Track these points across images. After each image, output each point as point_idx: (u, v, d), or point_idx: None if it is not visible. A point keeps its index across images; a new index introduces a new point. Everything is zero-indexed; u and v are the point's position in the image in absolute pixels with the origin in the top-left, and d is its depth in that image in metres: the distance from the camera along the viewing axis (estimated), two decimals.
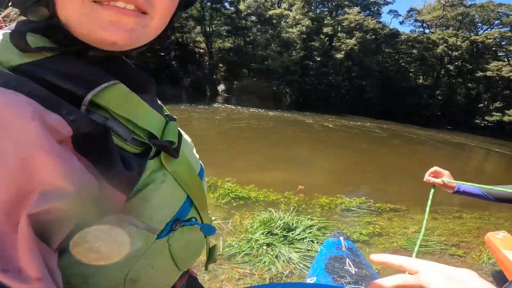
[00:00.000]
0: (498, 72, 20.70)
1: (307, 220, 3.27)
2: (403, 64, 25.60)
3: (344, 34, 21.71)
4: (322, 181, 5.47)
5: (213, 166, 5.20)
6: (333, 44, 21.67)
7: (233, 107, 14.70)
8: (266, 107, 15.57)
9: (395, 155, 9.65)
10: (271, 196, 4.11)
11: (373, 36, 22.83)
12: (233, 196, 3.92)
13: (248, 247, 2.59)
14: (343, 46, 21.07)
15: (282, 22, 22.08)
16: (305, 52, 20.42)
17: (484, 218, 4.46)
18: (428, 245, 3.14)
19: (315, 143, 9.71)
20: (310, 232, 2.92)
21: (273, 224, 2.95)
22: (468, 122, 20.78)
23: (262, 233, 2.80)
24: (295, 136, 10.65)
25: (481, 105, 21.72)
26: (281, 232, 2.90)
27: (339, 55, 20.92)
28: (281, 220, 3.04)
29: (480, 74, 21.53)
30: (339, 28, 21.89)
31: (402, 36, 25.70)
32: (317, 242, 2.76)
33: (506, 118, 19.55)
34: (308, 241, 2.76)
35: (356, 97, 21.59)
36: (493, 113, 20.24)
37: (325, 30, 21.39)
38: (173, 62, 18.59)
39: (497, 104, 20.44)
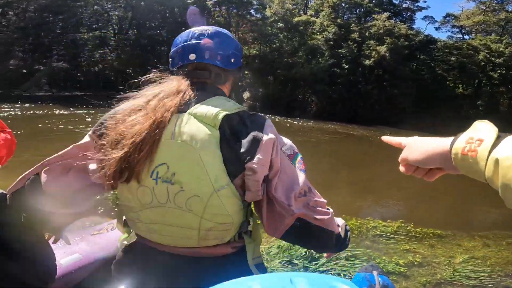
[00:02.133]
0: None
1: None
2: (439, 72, 23.72)
3: (373, 41, 20.49)
4: (349, 198, 4.86)
5: None
6: (362, 51, 20.51)
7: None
8: (291, 116, 14.94)
9: None
10: None
11: (406, 43, 21.34)
12: None
13: None
14: (373, 53, 19.86)
15: (309, 29, 21.40)
16: (334, 60, 19.50)
17: None
18: (478, 277, 2.55)
19: (339, 155, 8.85)
20: (336, 263, 2.44)
21: (293, 252, 2.51)
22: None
23: (280, 262, 2.38)
24: (319, 146, 9.86)
25: None
26: (302, 262, 2.44)
27: (369, 62, 19.73)
28: (303, 248, 2.52)
29: None
30: (367, 34, 20.74)
31: (439, 43, 23.86)
32: (344, 276, 2.31)
33: None
34: (334, 274, 2.30)
35: (386, 107, 20.15)
36: None
37: (352, 36, 20.37)
38: None
39: None
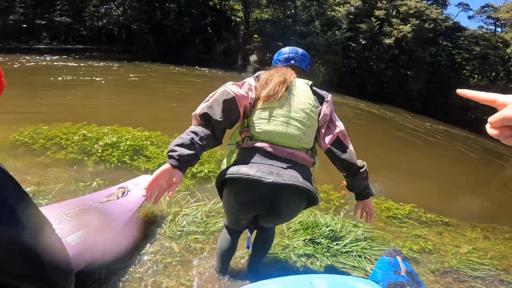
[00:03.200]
0: None
1: (352, 226, 2.69)
2: (459, 60, 22.55)
3: (398, 20, 19.14)
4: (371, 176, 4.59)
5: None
6: (383, 29, 19.22)
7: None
8: None
9: (449, 158, 8.29)
10: None
11: (432, 25, 19.97)
12: None
13: (284, 256, 2.01)
14: (395, 32, 18.62)
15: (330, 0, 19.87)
16: (351, 34, 18.32)
17: None
18: (480, 269, 2.63)
19: (353, 130, 8.43)
20: (357, 245, 2.39)
21: (317, 231, 2.39)
22: None
23: (304, 240, 2.24)
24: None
25: None
26: (325, 241, 2.30)
27: (388, 41, 18.58)
28: (327, 227, 2.47)
29: None
30: (393, 13, 19.29)
31: (467, 32, 22.42)
32: (364, 258, 2.25)
33: None
34: (355, 255, 2.24)
35: (395, 87, 19.40)
36: None
37: (377, 13, 18.94)
38: (208, 28, 17.55)
39: None
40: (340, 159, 1.27)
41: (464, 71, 22.81)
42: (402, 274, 1.31)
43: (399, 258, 1.45)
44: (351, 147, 1.30)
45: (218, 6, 18.70)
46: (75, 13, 14.29)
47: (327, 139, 1.25)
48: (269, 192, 1.08)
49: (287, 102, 1.20)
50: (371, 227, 2.88)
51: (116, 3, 15.88)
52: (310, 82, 1.32)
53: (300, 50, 1.48)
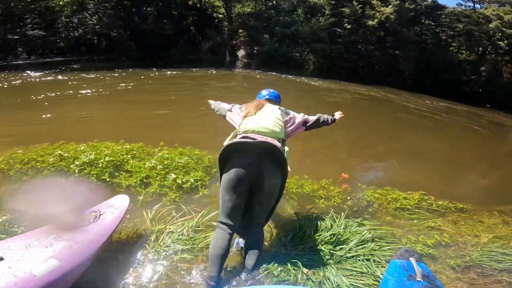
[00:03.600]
0: None
1: (357, 225, 2.46)
2: (444, 37, 22.48)
3: (379, 2, 18.89)
4: (363, 167, 4.41)
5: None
6: (366, 11, 18.96)
7: (253, 72, 13.39)
8: (287, 73, 14.13)
9: (454, 138, 8.05)
10: (306, 186, 3.08)
11: (412, 5, 19.79)
12: None
13: (282, 270, 1.76)
14: (377, 14, 18.39)
15: None
16: (334, 19, 18.04)
17: None
18: (504, 260, 2.34)
19: (349, 117, 8.22)
20: (364, 247, 2.15)
21: (317, 238, 2.20)
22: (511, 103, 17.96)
23: (303, 249, 2.03)
24: (321, 103, 9.21)
25: None
26: (327, 248, 2.06)
27: (372, 23, 18.37)
28: (327, 232, 2.24)
29: None
30: None
31: (446, 9, 22.31)
32: (373, 261, 2.02)
33: None
34: (362, 259, 2.02)
35: (385, 68, 19.25)
36: None
37: None
38: (191, 28, 17.12)
39: None
40: (313, 126, 2.24)
41: (452, 48, 22.71)
42: (418, 279, 1.16)
43: (412, 260, 1.29)
44: (311, 118, 2.23)
45: (198, 5, 18.22)
46: (48, 25, 13.67)
47: (300, 128, 2.19)
48: (254, 161, 1.66)
49: (262, 113, 2.00)
50: (378, 223, 2.64)
51: (89, 12, 15.31)
52: (278, 106, 2.22)
53: (273, 91, 2.42)
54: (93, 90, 6.82)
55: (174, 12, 16.30)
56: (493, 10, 21.21)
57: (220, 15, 19.99)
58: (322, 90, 12.05)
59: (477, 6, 25.15)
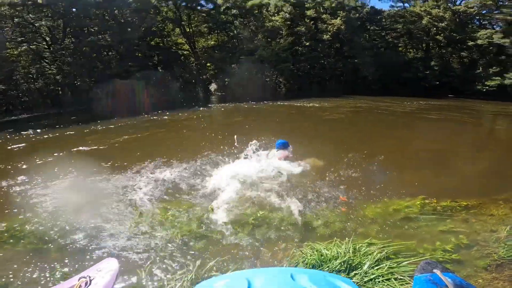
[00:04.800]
0: (490, 40, 19.56)
1: (366, 246, 2.28)
2: (390, 39, 24.49)
3: (329, 16, 20.45)
4: (356, 181, 4.08)
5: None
6: (319, 27, 20.35)
7: (229, 104, 13.33)
8: (262, 99, 14.28)
9: (429, 135, 8.28)
10: (302, 217, 2.90)
11: (357, 15, 21.62)
12: (254, 223, 2.79)
13: None
14: (329, 27, 19.79)
15: (264, 12, 20.65)
16: (292, 38, 19.09)
17: None
18: None
19: (324, 133, 8.33)
20: (379, 267, 1.99)
21: (327, 267, 2.00)
22: (469, 89, 19.67)
23: None
24: (295, 126, 9.20)
25: (479, 71, 20.61)
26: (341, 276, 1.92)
27: (326, 36, 19.64)
28: (336, 260, 2.07)
29: (471, 43, 20.41)
30: (321, 10, 20.59)
31: (385, 13, 24.58)
32: (395, 279, 1.88)
33: (507, 82, 18.48)
34: (382, 280, 1.87)
35: (351, 77, 20.39)
36: (493, 78, 19.12)
37: (308, 13, 20.07)
38: (158, 68, 17.10)
39: (494, 69, 19.34)
40: None
41: (400, 48, 24.69)
42: None
43: (437, 272, 1.17)
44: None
45: (161, 44, 18.43)
46: (5, 78, 12.80)
47: None
48: None
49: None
50: (388, 239, 2.41)
51: (46, 60, 14.67)
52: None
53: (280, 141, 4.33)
54: (61, 149, 5.85)
55: (138, 53, 16.29)
56: (420, 7, 23.30)
57: (185, 52, 20.31)
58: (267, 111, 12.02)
59: (406, 5, 27.97)
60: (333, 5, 20.58)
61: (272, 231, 2.68)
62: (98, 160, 5.03)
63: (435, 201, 3.23)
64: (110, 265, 1.87)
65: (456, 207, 3.12)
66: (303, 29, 19.80)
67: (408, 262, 2.07)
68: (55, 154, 5.60)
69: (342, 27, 19.80)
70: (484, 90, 19.14)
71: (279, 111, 11.86)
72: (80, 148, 6.14)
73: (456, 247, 2.37)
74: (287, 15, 20.08)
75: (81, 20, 14.86)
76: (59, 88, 14.91)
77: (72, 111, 12.59)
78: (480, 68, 20.79)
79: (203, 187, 3.73)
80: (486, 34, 19.99)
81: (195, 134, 7.64)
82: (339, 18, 20.04)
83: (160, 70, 16.88)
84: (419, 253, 2.26)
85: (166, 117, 10.33)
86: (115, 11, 15.71)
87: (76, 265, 2.24)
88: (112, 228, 2.76)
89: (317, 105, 13.29)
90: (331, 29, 19.85)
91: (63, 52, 14.54)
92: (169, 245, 2.49)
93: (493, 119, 11.77)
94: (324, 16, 20.55)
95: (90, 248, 2.50)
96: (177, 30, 20.29)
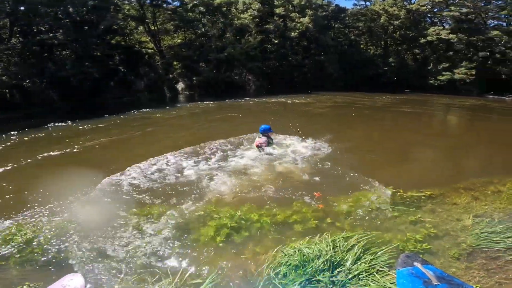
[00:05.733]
0: (438, 36, 21.33)
1: (343, 239, 2.27)
2: (353, 37, 25.63)
3: (297, 14, 20.76)
4: (328, 177, 4.05)
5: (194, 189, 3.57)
6: (288, 25, 20.58)
7: (197, 104, 12.85)
8: (232, 98, 14.01)
9: (384, 127, 8.72)
10: (279, 215, 2.79)
11: (324, 13, 22.21)
12: (232, 226, 2.65)
13: None
14: (298, 25, 20.09)
15: (233, 9, 20.32)
16: (262, 36, 19.05)
17: None
18: (501, 240, 2.30)
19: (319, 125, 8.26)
20: (361, 262, 1.98)
21: (310, 268, 1.92)
22: (423, 84, 21.30)
23: (300, 284, 1.81)
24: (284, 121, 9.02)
25: (430, 67, 22.42)
26: (325, 276, 1.90)
27: (294, 34, 19.91)
28: (318, 259, 2.01)
29: (423, 40, 22.07)
30: (290, 8, 20.84)
31: (348, 11, 25.59)
32: (377, 272, 1.88)
33: (456, 76, 20.28)
34: (366, 276, 1.85)
35: (318, 74, 20.94)
36: (443, 73, 20.88)
37: (277, 11, 20.16)
38: (120, 67, 15.92)
39: (444, 65, 21.16)
40: None
41: (362, 46, 25.96)
42: (435, 283, 1.04)
43: (418, 265, 1.20)
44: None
45: (123, 43, 17.19)
46: None
47: None
48: None
49: None
50: (363, 231, 2.43)
51: None
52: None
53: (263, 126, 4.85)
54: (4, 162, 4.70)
55: (96, 53, 15.00)
56: (380, 5, 24.63)
57: (150, 50, 19.22)
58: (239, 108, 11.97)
59: (368, 3, 29.51)
60: (302, 2, 20.91)
61: (251, 233, 2.55)
62: (53, 169, 4.42)
63: (401, 191, 3.33)
64: (75, 282, 1.78)
65: (421, 197, 3.24)
66: (271, 27, 19.86)
67: (387, 253, 2.09)
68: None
69: (310, 25, 20.20)
70: (436, 84, 20.83)
71: (251, 109, 11.69)
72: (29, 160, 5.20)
73: (426, 237, 2.42)
74: (256, 13, 19.99)
75: (30, 18, 13.27)
76: (7, 90, 13.18)
77: (20, 116, 11.13)
78: (432, 64, 22.65)
79: (175, 190, 3.46)
80: (435, 31, 21.82)
81: (159, 135, 7.13)
82: (307, 16, 20.38)
83: (122, 70, 15.71)
84: (393, 243, 2.30)
85: (129, 117, 9.59)
86: (70, 9, 14.30)
87: (41, 282, 2.04)
88: (75, 241, 2.49)
89: (298, 101, 13.40)
90: (300, 27, 20.16)
91: (9, 52, 12.89)
92: (142, 254, 2.28)
93: (448, 110, 12.87)
94: (292, 14, 20.80)
95: (53, 262, 2.27)
96: (141, 28, 19.13)
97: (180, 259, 2.24)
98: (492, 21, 22.19)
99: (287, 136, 5.81)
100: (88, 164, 4.73)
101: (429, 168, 4.56)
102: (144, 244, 2.37)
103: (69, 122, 8.62)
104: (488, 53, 20.40)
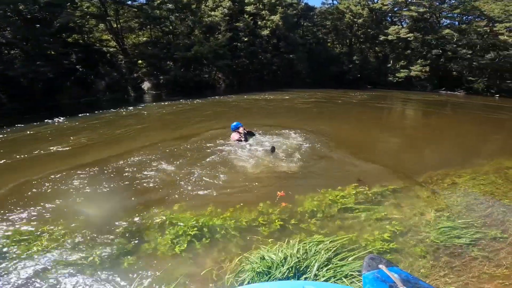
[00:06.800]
0: (398, 35, 22.63)
1: (315, 245, 2.14)
2: (320, 35, 26.26)
3: (268, 12, 20.71)
4: (287, 175, 3.92)
5: (147, 191, 3.26)
6: (258, 22, 20.46)
7: (164, 103, 12.20)
8: (201, 97, 13.57)
9: (344, 122, 8.87)
10: (243, 218, 2.55)
11: (294, 11, 22.42)
12: (193, 233, 2.42)
13: None
14: (268, 23, 20.05)
15: (203, 6, 19.68)
16: (231, 34, 18.69)
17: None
18: (463, 235, 2.32)
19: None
20: (328, 268, 1.88)
21: (274, 275, 1.81)
22: (383, 81, 22.47)
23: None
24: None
25: (389, 64, 23.73)
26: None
27: (265, 32, 19.84)
28: (283, 266, 1.87)
29: (383, 38, 23.24)
30: (260, 6, 20.71)
31: (317, 9, 26.17)
32: (345, 277, 1.80)
33: (412, 73, 21.60)
34: (333, 282, 1.77)
35: (287, 72, 21.15)
36: (401, 70, 22.13)
37: (248, 9, 19.91)
38: (78, 67, 14.65)
39: (402, 63, 22.53)
40: None
41: (329, 44, 26.73)
42: (400, 287, 1.00)
43: (382, 267, 1.13)
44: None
45: (81, 41, 15.82)
46: None
47: None
48: None
49: None
50: (330, 233, 2.35)
51: None
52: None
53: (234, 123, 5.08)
54: None
55: (50, 51, 13.63)
56: (344, 4, 25.14)
57: (111, 49, 17.93)
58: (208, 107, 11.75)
59: (335, 2, 30.41)
60: (273, 0, 20.86)
61: (214, 239, 2.33)
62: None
63: (367, 188, 3.28)
64: None
65: (385, 192, 3.21)
66: (241, 25, 19.58)
67: (353, 256, 2.01)
68: None
69: (280, 23, 20.24)
70: (395, 81, 22.18)
71: (220, 108, 11.37)
72: None
73: (393, 235, 2.39)
74: (226, 11, 19.57)
75: None
76: None
77: None
78: (391, 62, 24.03)
79: (132, 194, 3.12)
80: (395, 30, 23.13)
81: (119, 137, 6.49)
82: (278, 14, 20.38)
83: (80, 69, 14.45)
84: (361, 245, 2.23)
85: (85, 120, 8.71)
86: (20, 6, 12.80)
87: None
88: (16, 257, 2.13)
89: (272, 97, 13.24)
90: (270, 25, 20.13)
91: None
92: (88, 268, 2.05)
93: (418, 105, 13.54)
94: (263, 12, 20.69)
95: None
96: (102, 25, 17.75)
97: (133, 273, 2.00)
98: (446, 20, 23.93)
99: (257, 131, 5.71)
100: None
101: (391, 161, 4.58)
102: (92, 257, 2.09)
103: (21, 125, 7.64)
104: (440, 51, 22.08)
